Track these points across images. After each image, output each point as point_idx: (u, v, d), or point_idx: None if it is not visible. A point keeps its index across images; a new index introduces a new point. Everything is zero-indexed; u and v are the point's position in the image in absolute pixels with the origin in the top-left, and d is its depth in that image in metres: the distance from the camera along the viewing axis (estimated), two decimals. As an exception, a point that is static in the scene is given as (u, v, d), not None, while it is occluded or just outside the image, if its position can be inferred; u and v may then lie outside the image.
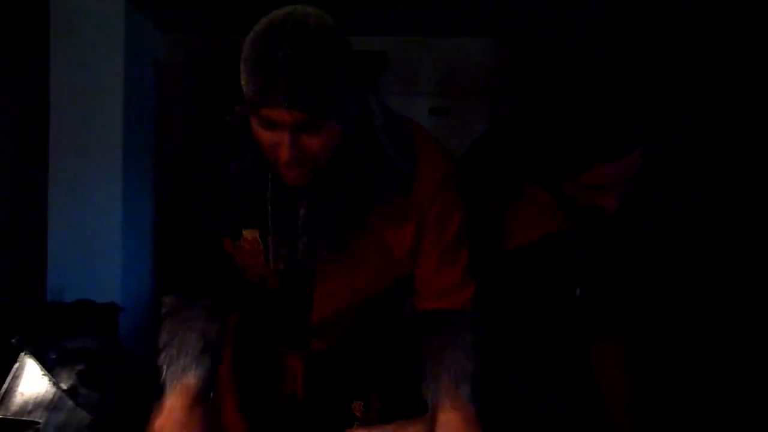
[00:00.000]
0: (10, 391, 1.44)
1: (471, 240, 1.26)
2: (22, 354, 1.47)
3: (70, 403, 1.33)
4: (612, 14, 3.17)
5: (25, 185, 4.34)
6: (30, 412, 1.41)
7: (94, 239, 3.57)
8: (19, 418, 1.41)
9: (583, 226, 1.36)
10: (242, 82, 1.03)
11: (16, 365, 1.48)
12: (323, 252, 1.18)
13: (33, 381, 1.45)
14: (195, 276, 1.26)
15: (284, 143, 1.03)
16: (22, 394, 1.43)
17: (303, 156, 1.05)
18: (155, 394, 1.18)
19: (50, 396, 1.34)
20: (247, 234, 1.21)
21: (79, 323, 2.99)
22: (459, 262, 1.25)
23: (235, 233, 1.22)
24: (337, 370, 1.37)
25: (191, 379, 1.17)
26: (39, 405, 1.37)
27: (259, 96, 1.00)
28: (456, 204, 1.23)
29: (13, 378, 1.46)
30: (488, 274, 1.29)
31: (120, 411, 1.55)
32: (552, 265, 1.40)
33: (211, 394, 1.23)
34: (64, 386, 1.40)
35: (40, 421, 1.38)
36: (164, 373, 1.18)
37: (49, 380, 1.34)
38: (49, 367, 1.45)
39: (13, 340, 1.48)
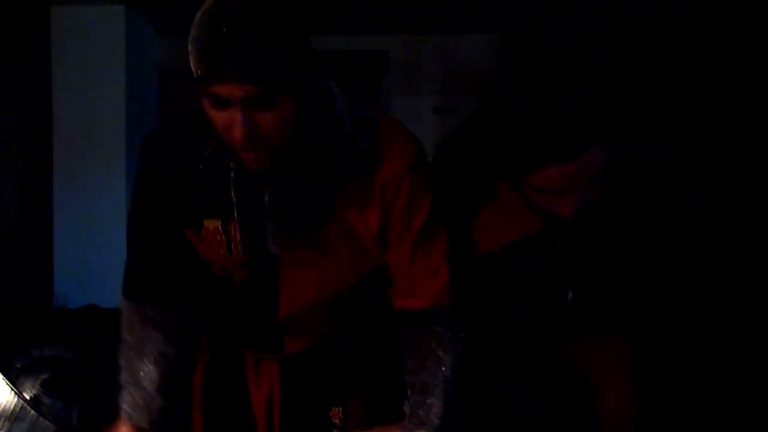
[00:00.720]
0: (-29, 403, 1.41)
1: (446, 230, 1.22)
2: (-15, 364, 1.45)
3: (32, 413, 1.31)
4: (612, 14, 3.14)
5: (31, 190, 4.37)
6: (-9, 423, 1.40)
7: (99, 243, 3.59)
8: (-21, 429, 1.38)
9: (560, 227, 1.31)
10: (191, 64, 1.01)
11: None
12: (292, 238, 1.15)
13: (-5, 391, 1.42)
14: (154, 276, 1.24)
15: (237, 121, 1.01)
16: (-17, 405, 1.41)
17: (257, 134, 1.03)
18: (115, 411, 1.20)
19: (12, 406, 1.32)
20: (209, 224, 1.18)
21: (80, 329, 2.99)
22: (433, 251, 1.21)
23: (197, 224, 1.19)
24: (314, 374, 1.33)
25: (142, 417, 1.21)
26: (1, 415, 1.33)
27: (208, 73, 0.99)
28: (424, 188, 1.19)
29: (-26, 388, 1.43)
30: (464, 277, 1.25)
31: (86, 421, 1.53)
32: (528, 267, 1.35)
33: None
34: (27, 396, 1.38)
35: None
36: (120, 398, 1.21)
37: (11, 390, 1.32)
38: (14, 376, 1.43)
39: None
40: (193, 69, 1.02)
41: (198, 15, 1.02)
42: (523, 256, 1.34)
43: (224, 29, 0.97)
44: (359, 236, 1.19)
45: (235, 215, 1.15)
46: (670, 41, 3.20)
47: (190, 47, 1.01)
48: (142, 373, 1.22)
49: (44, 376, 1.55)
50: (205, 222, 1.19)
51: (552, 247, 1.35)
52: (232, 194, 1.14)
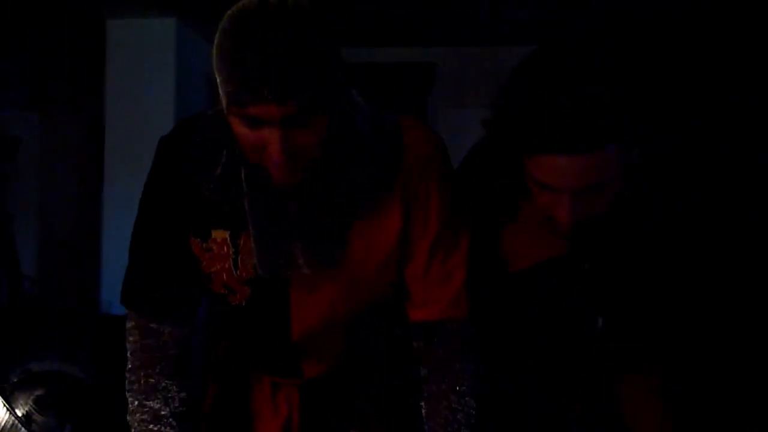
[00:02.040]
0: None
1: (467, 239, 1.16)
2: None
3: (23, 430, 1.27)
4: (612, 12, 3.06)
5: (84, 200, 4.46)
6: (-19, 440, 1.34)
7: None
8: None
9: (583, 250, 1.23)
10: (220, 79, 0.96)
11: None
12: (317, 256, 1.09)
13: (-13, 406, 1.35)
14: (154, 284, 1.18)
15: (274, 141, 0.96)
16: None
17: (295, 153, 0.98)
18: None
19: (2, 423, 1.27)
20: (217, 234, 1.13)
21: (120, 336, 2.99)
22: (450, 258, 1.14)
23: (204, 233, 1.14)
24: (335, 397, 1.27)
25: None
26: (-9, 432, 1.30)
27: (243, 92, 0.93)
28: (444, 187, 1.13)
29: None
30: (485, 296, 1.19)
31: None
32: (552, 290, 1.27)
33: None
34: (19, 412, 1.34)
35: (-8, 448, 1.31)
36: (128, 416, 1.17)
37: (3, 405, 1.28)
38: (8, 390, 1.39)
39: None
40: (220, 84, 0.96)
41: (225, 22, 0.95)
42: (547, 278, 1.27)
43: (260, 44, 0.91)
44: (378, 247, 1.13)
45: (251, 232, 1.09)
46: (670, 38, 3.12)
47: (218, 63, 0.95)
48: (146, 391, 1.17)
49: (39, 393, 1.49)
50: (213, 232, 1.13)
51: (578, 270, 1.26)
52: (246, 207, 1.08)
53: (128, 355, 1.20)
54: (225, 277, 1.14)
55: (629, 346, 1.31)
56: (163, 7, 3.54)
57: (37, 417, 1.44)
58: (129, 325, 1.20)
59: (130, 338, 1.20)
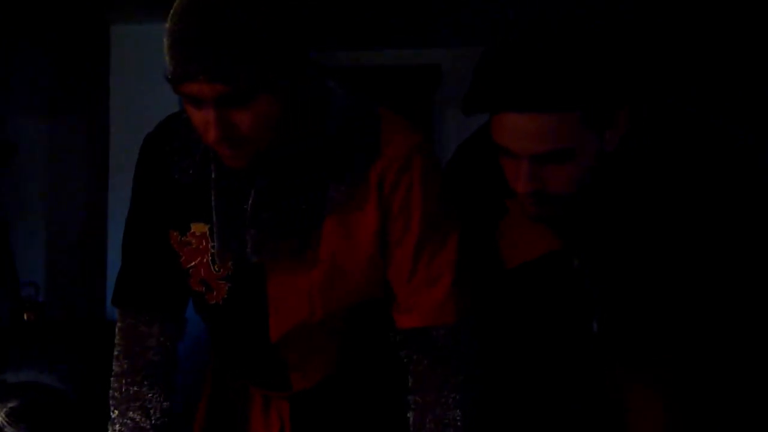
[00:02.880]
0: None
1: (455, 237, 1.11)
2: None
3: None
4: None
5: (89, 205, 4.46)
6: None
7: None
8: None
9: (575, 248, 1.19)
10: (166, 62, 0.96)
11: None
12: (275, 246, 1.06)
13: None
14: (141, 281, 1.17)
15: (210, 121, 0.95)
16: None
17: (233, 134, 0.96)
18: None
19: None
20: (196, 228, 1.12)
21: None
22: (437, 258, 1.09)
23: (183, 227, 1.13)
24: (327, 410, 1.22)
25: None
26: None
27: (177, 70, 0.93)
28: (427, 181, 1.09)
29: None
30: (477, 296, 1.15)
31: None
32: (544, 290, 1.23)
33: None
34: None
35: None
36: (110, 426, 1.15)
37: None
38: None
39: None
40: (166, 68, 0.97)
41: (174, 6, 0.97)
42: (538, 277, 1.22)
43: (193, 24, 0.91)
44: (356, 245, 1.09)
45: (213, 218, 1.07)
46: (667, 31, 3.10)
47: (164, 41, 0.96)
48: (128, 400, 1.15)
49: (12, 404, 1.46)
50: (192, 225, 1.12)
51: (570, 268, 1.22)
52: (212, 196, 1.07)
53: (113, 360, 1.18)
54: (203, 272, 1.13)
55: (627, 350, 1.27)
56: (167, 13, 3.54)
57: (8, 430, 1.41)
58: (117, 326, 1.19)
59: (116, 342, 1.19)
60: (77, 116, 4.44)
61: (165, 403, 1.16)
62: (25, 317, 3.66)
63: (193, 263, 1.13)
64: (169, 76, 0.95)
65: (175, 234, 1.14)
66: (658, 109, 1.18)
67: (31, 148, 4.25)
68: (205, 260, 1.12)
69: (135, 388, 1.15)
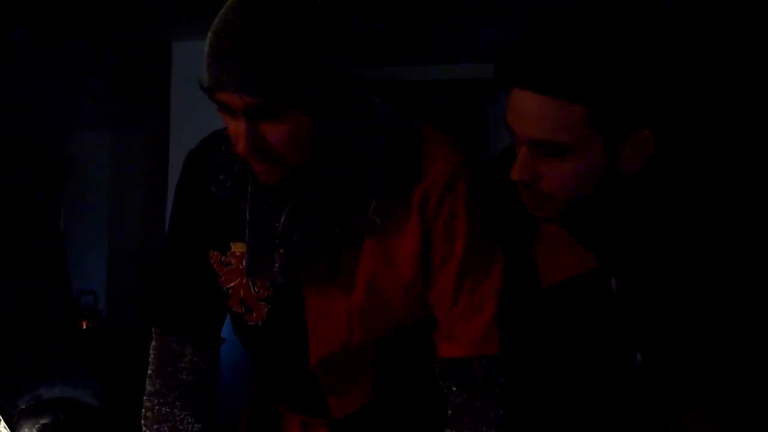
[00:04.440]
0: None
1: (499, 263, 1.08)
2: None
3: None
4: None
5: (150, 217, 4.55)
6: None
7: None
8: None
9: (613, 268, 1.14)
10: None
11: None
12: (303, 269, 1.04)
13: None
14: (176, 299, 1.15)
15: (240, 131, 0.96)
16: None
17: (262, 146, 0.96)
18: None
19: None
20: (235, 248, 1.10)
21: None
22: (481, 286, 1.06)
23: (223, 246, 1.11)
24: None
25: None
26: (-7, 460, 1.26)
27: (210, 80, 0.94)
28: (470, 205, 1.06)
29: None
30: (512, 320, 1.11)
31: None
32: (581, 311, 1.18)
33: None
34: None
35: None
36: None
37: None
38: (15, 418, 1.35)
39: None
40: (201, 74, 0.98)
41: (215, 19, 0.98)
42: (574, 296, 1.17)
43: (229, 36, 0.92)
44: (396, 268, 1.06)
45: (246, 236, 1.05)
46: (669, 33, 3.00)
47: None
48: (159, 421, 1.14)
49: (45, 420, 1.45)
50: (232, 245, 1.10)
51: (607, 289, 1.16)
52: (247, 212, 1.05)
53: (146, 379, 1.18)
54: (242, 293, 1.12)
55: (675, 380, 1.20)
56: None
57: (39, 446, 1.41)
58: (151, 345, 1.18)
59: (150, 360, 1.18)
60: (137, 129, 4.56)
61: (196, 425, 1.15)
62: (84, 326, 3.75)
63: (233, 284, 1.12)
64: (204, 85, 0.96)
65: (215, 254, 1.12)
66: (676, 124, 1.14)
67: (94, 160, 4.38)
68: (245, 281, 1.10)
69: (166, 409, 1.14)
